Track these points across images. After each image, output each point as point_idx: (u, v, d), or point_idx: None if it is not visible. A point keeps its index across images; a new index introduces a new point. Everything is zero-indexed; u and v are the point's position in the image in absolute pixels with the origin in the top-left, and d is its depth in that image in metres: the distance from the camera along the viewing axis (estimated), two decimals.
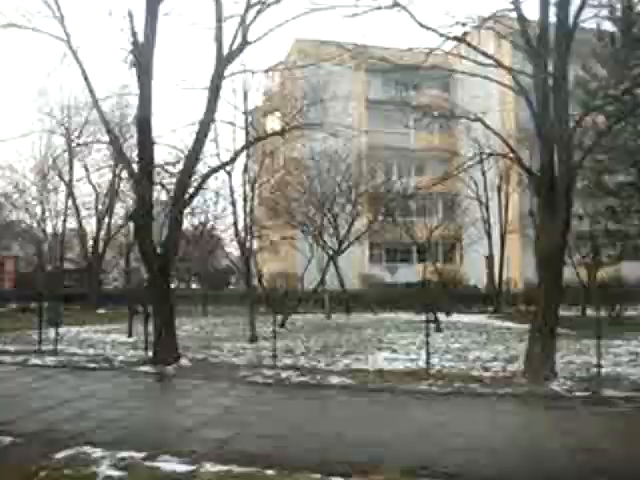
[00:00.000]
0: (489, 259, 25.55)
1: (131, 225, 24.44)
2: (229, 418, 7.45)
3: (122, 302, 27.15)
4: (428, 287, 22.57)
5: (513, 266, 26.93)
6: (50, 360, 11.60)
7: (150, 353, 12.05)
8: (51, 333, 16.98)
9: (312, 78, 31.91)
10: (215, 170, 14.01)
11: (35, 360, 11.56)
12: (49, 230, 27.68)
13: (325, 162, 22.80)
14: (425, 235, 27.51)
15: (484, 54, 10.55)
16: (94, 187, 26.52)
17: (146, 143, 10.86)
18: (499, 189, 24.92)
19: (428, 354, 10.91)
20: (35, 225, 30.07)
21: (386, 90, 33.18)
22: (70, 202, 25.50)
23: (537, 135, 10.00)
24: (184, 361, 11.25)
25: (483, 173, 23.34)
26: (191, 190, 12.17)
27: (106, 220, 25.84)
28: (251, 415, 7.58)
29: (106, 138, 18.78)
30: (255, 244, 31.16)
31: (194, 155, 11.45)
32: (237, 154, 14.27)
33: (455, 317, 21.58)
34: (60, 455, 5.90)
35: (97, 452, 5.97)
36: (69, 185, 25.20)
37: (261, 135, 16.42)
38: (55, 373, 10.42)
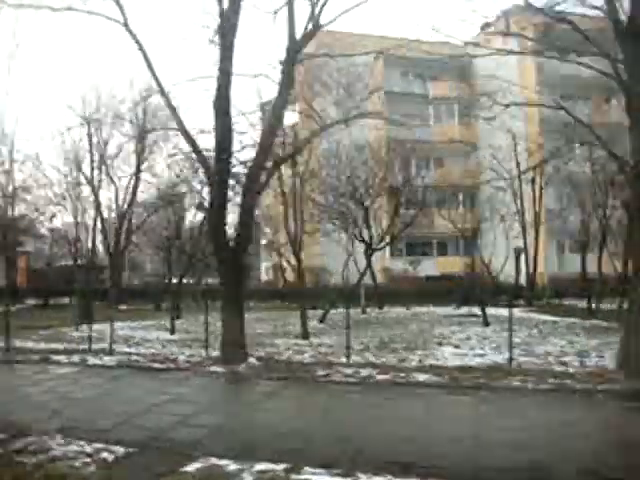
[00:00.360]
0: (519, 252, 25.05)
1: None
2: (343, 422, 6.82)
3: (139, 298, 26.56)
4: (470, 280, 22.02)
5: (537, 260, 26.48)
6: (109, 360, 10.89)
7: (210, 352, 11.46)
8: (80, 330, 16.57)
9: (333, 69, 31.37)
10: (284, 160, 13.31)
11: (94, 360, 10.84)
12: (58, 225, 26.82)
13: (358, 154, 22.21)
14: (448, 228, 27.00)
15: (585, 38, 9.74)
16: (113, 181, 25.68)
17: (224, 130, 10.17)
18: (533, 181, 24.35)
19: (511, 349, 10.38)
20: (47, 221, 29.24)
21: (405, 82, 32.55)
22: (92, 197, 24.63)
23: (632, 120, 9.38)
24: (252, 360, 10.59)
25: (518, 164, 22.79)
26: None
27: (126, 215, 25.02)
28: (367, 418, 6.95)
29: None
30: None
31: (268, 144, 10.74)
32: (304, 145, 13.39)
33: (491, 310, 20.99)
34: (190, 468, 5.25)
35: (230, 465, 5.31)
36: (91, 180, 24.35)
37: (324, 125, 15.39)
38: (123, 374, 9.73)
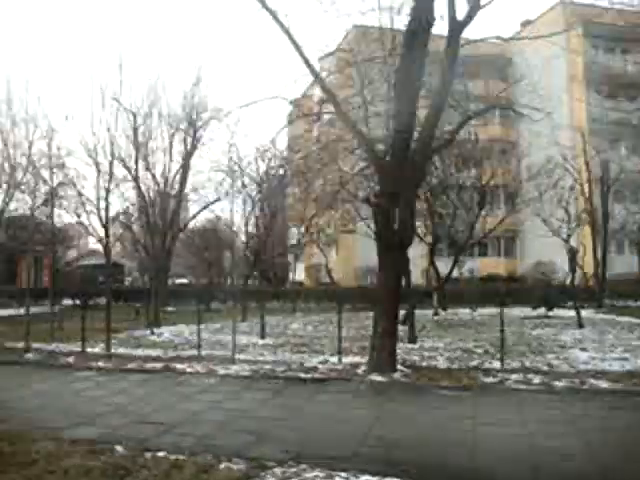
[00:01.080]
0: (574, 253, 24.19)
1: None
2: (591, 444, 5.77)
3: (179, 299, 25.27)
4: (546, 281, 21.11)
5: (586, 260, 25.70)
6: (239, 369, 9.65)
7: (341, 358, 10.31)
8: (157, 333, 15.24)
9: (367, 64, 30.31)
10: (441, 148, 12.16)
11: (224, 370, 9.58)
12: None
13: None
14: (487, 228, 26.12)
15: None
16: (155, 178, 24.19)
17: (405, 112, 9.01)
18: (601, 180, 23.48)
19: None
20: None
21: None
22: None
23: None
24: (400, 367, 9.47)
25: (587, 163, 21.96)
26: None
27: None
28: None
29: None
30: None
31: (430, 130, 9.56)
32: (455, 133, 11.94)
33: (563, 312, 20.09)
34: None
35: None
36: (135, 176, 22.83)
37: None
38: (279, 387, 8.51)
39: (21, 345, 12.85)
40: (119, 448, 5.66)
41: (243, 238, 29.06)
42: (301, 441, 5.86)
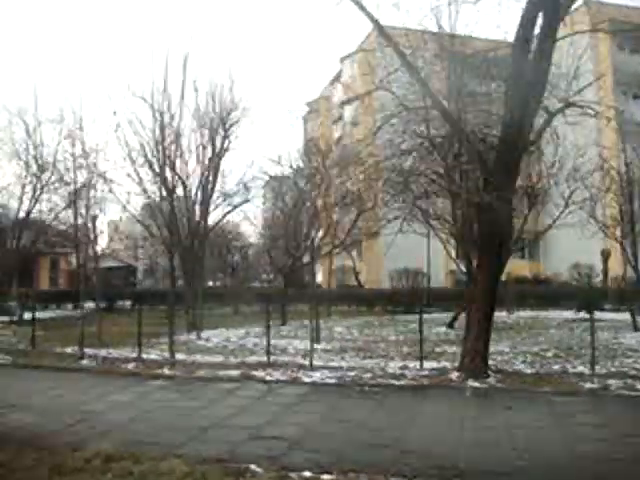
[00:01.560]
0: (607, 255, 23.77)
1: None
2: None
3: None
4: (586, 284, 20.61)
5: (614, 261, 25.28)
6: (323, 376, 9.05)
7: (423, 364, 9.75)
8: (204, 337, 14.61)
9: (391, 65, 29.79)
10: (529, 145, 11.57)
11: (305, 377, 8.99)
12: None
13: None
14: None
15: None
16: (180, 177, 23.40)
17: (517, 113, 8.42)
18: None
19: None
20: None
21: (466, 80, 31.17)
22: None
23: None
24: (491, 373, 8.93)
25: (628, 164, 21.48)
26: None
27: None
28: None
29: None
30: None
31: (520, 123, 8.93)
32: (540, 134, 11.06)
33: (602, 315, 19.56)
34: None
35: None
36: (161, 174, 22.10)
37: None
38: (378, 396, 7.92)
39: (69, 350, 12.23)
40: (256, 468, 5.08)
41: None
42: (455, 455, 5.30)
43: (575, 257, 27.15)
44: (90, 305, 25.42)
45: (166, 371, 9.86)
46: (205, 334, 15.44)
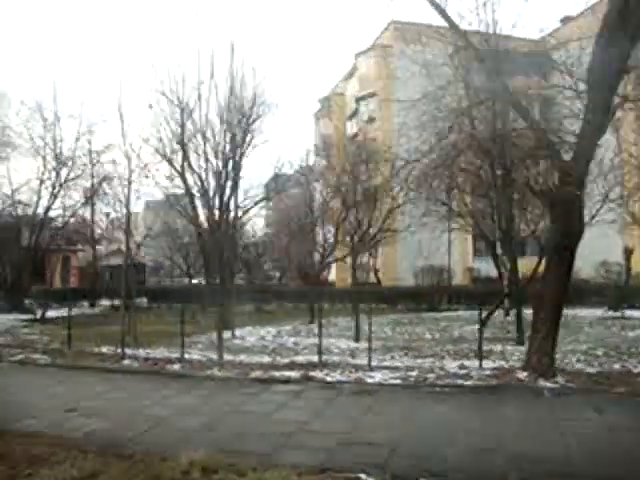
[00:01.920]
0: (630, 252, 23.47)
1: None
2: None
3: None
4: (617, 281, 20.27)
5: (635, 258, 25.01)
6: (385, 377, 8.67)
7: (482, 363, 9.40)
8: (238, 337, 14.19)
9: (407, 60, 29.29)
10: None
11: (368, 378, 8.60)
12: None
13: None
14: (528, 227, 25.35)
15: None
16: (199, 175, 22.96)
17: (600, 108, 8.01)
18: None
19: None
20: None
21: (479, 77, 30.84)
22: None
23: None
24: (557, 372, 8.59)
25: None
26: None
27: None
28: None
29: None
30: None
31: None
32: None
33: (629, 313, 19.24)
34: None
35: None
36: (182, 172, 21.63)
37: None
38: (454, 397, 7.56)
39: (105, 350, 11.81)
40: (367, 478, 4.72)
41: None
42: (569, 461, 4.97)
43: (595, 254, 26.88)
44: (105, 303, 25.08)
45: (216, 372, 9.44)
46: (238, 333, 15.06)
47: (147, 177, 20.75)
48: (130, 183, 20.76)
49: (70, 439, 5.86)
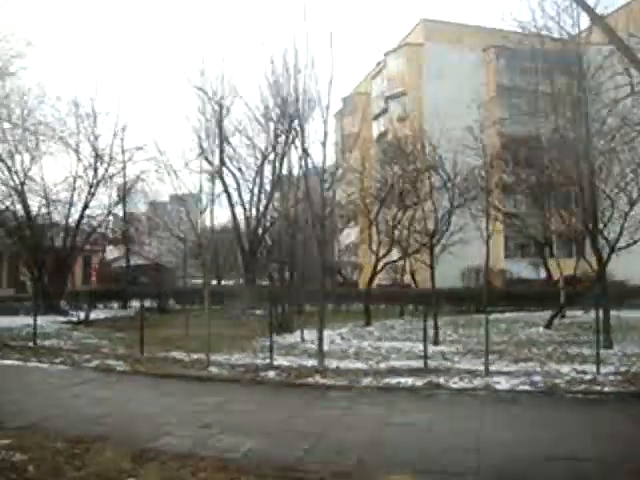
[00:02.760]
0: None
1: None
2: None
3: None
4: None
5: None
6: (503, 382, 8.00)
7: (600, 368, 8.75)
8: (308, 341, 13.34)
9: (438, 59, 28.71)
10: None
11: (497, 385, 7.93)
12: None
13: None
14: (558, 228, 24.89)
15: None
16: (240, 170, 22.07)
17: None
18: None
19: None
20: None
21: (512, 76, 30.38)
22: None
23: None
24: None
25: None
26: None
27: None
28: None
29: None
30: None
31: None
32: None
33: None
34: None
35: None
36: (219, 170, 20.83)
37: None
38: (604, 406, 6.92)
39: (176, 355, 11.02)
40: None
41: None
42: None
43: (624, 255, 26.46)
44: (136, 304, 24.12)
45: (320, 380, 8.65)
46: (304, 336, 14.32)
47: (177, 177, 20.08)
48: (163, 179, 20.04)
49: (231, 460, 5.11)
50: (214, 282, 27.00)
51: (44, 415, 6.55)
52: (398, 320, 18.51)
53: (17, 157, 18.31)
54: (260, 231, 20.79)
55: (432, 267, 14.64)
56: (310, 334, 14.76)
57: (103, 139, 20.46)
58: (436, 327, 12.87)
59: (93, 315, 19.29)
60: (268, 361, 10.06)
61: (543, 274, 28.19)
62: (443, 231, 16.05)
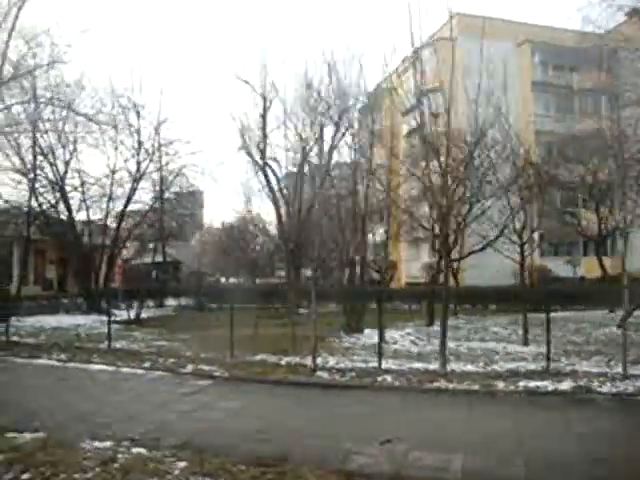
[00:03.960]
0: None
1: None
2: None
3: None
4: None
5: None
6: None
7: None
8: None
9: (473, 54, 28.11)
10: None
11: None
12: None
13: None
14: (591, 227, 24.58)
15: None
16: (278, 163, 21.36)
17: None
18: None
19: None
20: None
21: (544, 72, 29.96)
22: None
23: None
24: None
25: None
26: None
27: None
28: None
29: None
30: None
31: None
32: None
33: None
34: None
35: None
36: (263, 165, 20.14)
37: None
38: None
39: (263, 357, 10.35)
40: None
41: None
42: None
43: None
44: (172, 303, 23.41)
45: (444, 384, 8.06)
46: (366, 335, 13.74)
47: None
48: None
49: None
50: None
51: (189, 431, 5.88)
52: (458, 320, 17.93)
53: (58, 150, 17.49)
54: (305, 227, 20.13)
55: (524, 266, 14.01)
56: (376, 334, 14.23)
57: (144, 132, 19.69)
58: (525, 328, 12.30)
59: (133, 314, 18.56)
60: (373, 365, 9.53)
61: (580, 272, 27.93)
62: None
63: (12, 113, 14.92)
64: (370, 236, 34.17)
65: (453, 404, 7.20)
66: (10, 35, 12.84)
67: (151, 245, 28.47)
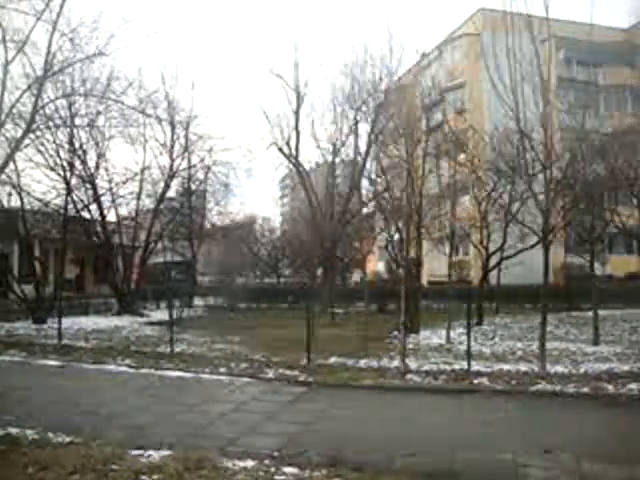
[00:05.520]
0: None
1: None
2: None
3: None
4: None
5: None
6: None
7: None
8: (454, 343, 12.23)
9: (497, 50, 27.85)
10: None
11: None
12: None
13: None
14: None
15: None
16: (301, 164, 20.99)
17: None
18: None
19: None
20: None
21: (568, 68, 29.76)
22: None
23: None
24: None
25: None
26: None
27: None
28: None
29: None
30: None
31: None
32: None
33: None
34: None
35: None
36: (295, 162, 19.73)
37: None
38: None
39: (337, 360, 10.01)
40: None
41: None
42: None
43: None
44: (199, 303, 22.91)
45: (550, 386, 7.77)
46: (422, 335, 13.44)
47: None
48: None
49: None
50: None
51: (325, 445, 5.43)
52: (503, 318, 17.67)
53: (90, 148, 16.95)
54: (340, 226, 19.76)
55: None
56: (435, 334, 13.91)
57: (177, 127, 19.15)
58: (596, 326, 12.03)
59: (161, 315, 18.10)
60: (457, 366, 9.25)
61: (608, 270, 27.73)
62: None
63: (50, 108, 14.41)
64: (396, 235, 33.87)
65: (575, 407, 6.93)
66: (54, 27, 12.33)
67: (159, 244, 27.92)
